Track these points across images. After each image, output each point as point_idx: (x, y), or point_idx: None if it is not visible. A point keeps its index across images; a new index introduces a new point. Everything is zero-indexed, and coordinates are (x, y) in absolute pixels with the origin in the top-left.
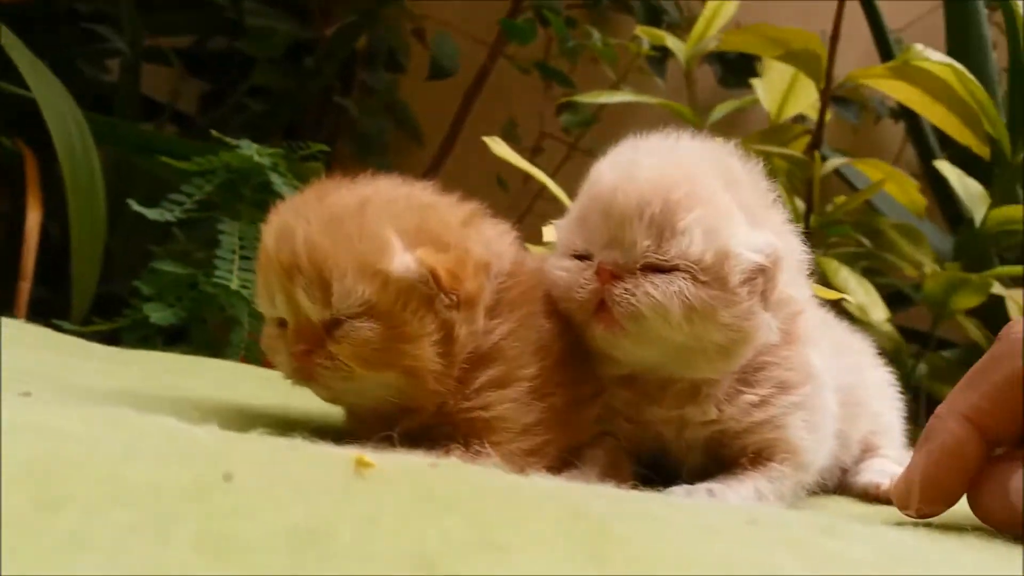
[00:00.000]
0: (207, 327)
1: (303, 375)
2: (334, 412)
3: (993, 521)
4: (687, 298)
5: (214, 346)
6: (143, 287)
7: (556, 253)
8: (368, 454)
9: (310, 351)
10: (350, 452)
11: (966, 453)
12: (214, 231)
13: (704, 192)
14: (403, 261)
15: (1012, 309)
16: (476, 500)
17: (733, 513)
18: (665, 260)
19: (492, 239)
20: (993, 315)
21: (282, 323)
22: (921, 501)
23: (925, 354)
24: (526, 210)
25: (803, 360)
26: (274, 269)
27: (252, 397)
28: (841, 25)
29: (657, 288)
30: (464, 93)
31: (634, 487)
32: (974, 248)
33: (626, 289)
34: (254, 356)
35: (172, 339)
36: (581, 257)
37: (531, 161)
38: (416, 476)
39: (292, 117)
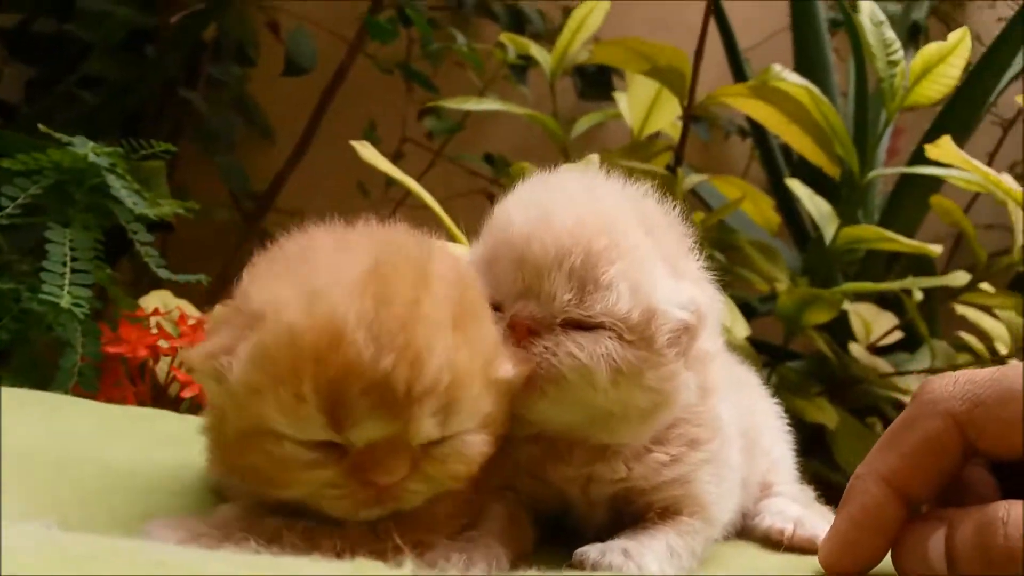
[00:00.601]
0: (32, 350)
1: (374, 503)
2: (193, 464)
3: None
4: (614, 360)
5: (41, 371)
6: None
7: None
8: None
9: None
10: None
11: (886, 515)
12: (40, 239)
13: (627, 241)
14: (507, 367)
15: (855, 322)
16: None
17: None
18: (588, 316)
19: None
20: (838, 327)
21: (327, 446)
22: (844, 564)
23: (775, 365)
24: (388, 217)
25: (713, 414)
26: (383, 390)
27: (93, 444)
28: (705, 44)
29: (582, 348)
30: (321, 92)
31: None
32: (823, 265)
33: (546, 347)
34: (89, 383)
35: None
36: (491, 307)
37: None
38: None
39: (130, 110)
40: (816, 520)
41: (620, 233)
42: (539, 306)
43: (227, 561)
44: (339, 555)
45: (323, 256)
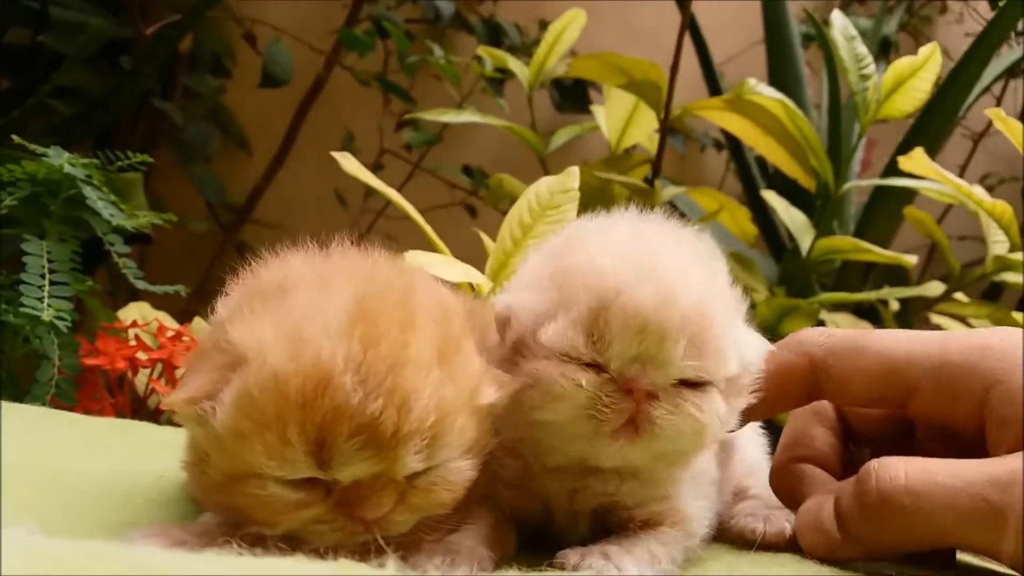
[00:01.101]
0: (8, 362)
1: (362, 534)
2: (173, 474)
3: (813, 549)
4: (721, 416)
5: (16, 385)
6: None
7: (538, 352)
8: None
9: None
10: None
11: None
12: (14, 251)
13: (729, 303)
14: (490, 392)
15: None
16: None
17: None
18: (700, 376)
19: None
20: None
21: (312, 485)
22: None
23: None
24: (368, 228)
25: None
26: (370, 433)
27: (75, 455)
28: (680, 58)
29: (700, 410)
30: (298, 103)
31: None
32: (799, 275)
33: (667, 410)
34: (66, 395)
35: None
36: (586, 364)
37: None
38: None
39: (105, 121)
40: (784, 516)
41: (726, 296)
42: (656, 370)
43: (210, 563)
44: (321, 556)
45: (304, 295)
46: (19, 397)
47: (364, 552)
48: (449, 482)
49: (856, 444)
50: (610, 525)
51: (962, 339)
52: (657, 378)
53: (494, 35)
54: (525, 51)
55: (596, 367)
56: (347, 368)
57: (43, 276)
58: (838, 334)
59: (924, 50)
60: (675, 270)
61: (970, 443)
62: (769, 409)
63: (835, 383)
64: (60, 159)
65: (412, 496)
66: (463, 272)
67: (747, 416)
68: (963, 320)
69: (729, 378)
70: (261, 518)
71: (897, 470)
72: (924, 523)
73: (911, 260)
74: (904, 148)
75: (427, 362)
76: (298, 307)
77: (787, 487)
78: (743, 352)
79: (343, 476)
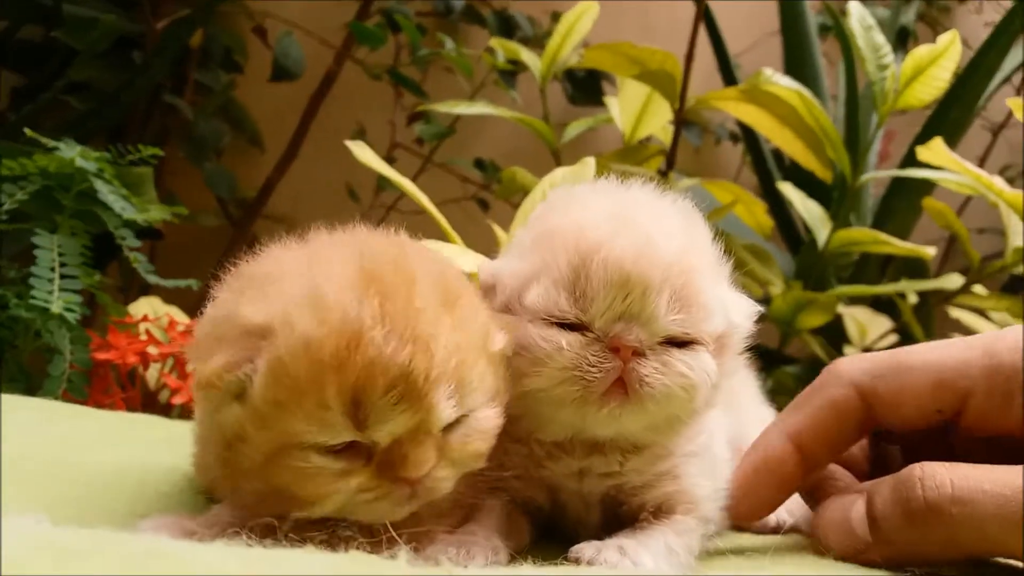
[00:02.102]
0: (20, 357)
1: (408, 499)
2: (183, 467)
3: (838, 550)
4: (711, 375)
5: (28, 379)
6: None
7: (522, 316)
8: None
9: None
10: None
11: (785, 469)
12: (27, 246)
13: (712, 260)
14: (499, 338)
15: (850, 325)
16: None
17: None
18: (687, 333)
19: None
20: (833, 331)
21: (353, 453)
22: (741, 510)
23: (770, 370)
24: (380, 223)
25: None
26: (405, 382)
27: (87, 448)
28: (695, 48)
29: (690, 367)
30: (309, 97)
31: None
32: (816, 268)
33: (655, 368)
34: (78, 390)
35: None
36: (570, 326)
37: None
38: None
39: (117, 117)
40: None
41: (708, 252)
42: (641, 327)
43: (219, 553)
44: (332, 548)
45: (308, 267)
46: (32, 391)
47: (376, 544)
48: (481, 431)
49: (888, 442)
50: (623, 517)
51: (1007, 337)
52: (643, 335)
53: (506, 27)
54: (537, 43)
55: (581, 328)
56: (375, 323)
57: (53, 270)
58: (875, 356)
59: (944, 38)
60: (655, 225)
61: (1016, 445)
62: (830, 454)
63: (886, 407)
64: (71, 153)
65: (450, 450)
66: (475, 261)
67: (808, 468)
68: (982, 313)
69: (717, 336)
70: (307, 494)
71: (943, 479)
72: (970, 533)
73: (930, 252)
74: (923, 139)
75: (435, 309)
76: (308, 277)
77: (810, 485)
78: (729, 310)
79: (381, 436)
